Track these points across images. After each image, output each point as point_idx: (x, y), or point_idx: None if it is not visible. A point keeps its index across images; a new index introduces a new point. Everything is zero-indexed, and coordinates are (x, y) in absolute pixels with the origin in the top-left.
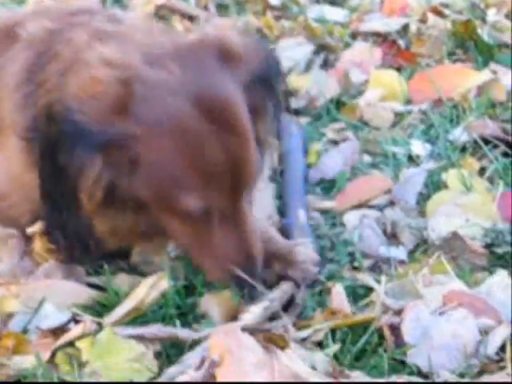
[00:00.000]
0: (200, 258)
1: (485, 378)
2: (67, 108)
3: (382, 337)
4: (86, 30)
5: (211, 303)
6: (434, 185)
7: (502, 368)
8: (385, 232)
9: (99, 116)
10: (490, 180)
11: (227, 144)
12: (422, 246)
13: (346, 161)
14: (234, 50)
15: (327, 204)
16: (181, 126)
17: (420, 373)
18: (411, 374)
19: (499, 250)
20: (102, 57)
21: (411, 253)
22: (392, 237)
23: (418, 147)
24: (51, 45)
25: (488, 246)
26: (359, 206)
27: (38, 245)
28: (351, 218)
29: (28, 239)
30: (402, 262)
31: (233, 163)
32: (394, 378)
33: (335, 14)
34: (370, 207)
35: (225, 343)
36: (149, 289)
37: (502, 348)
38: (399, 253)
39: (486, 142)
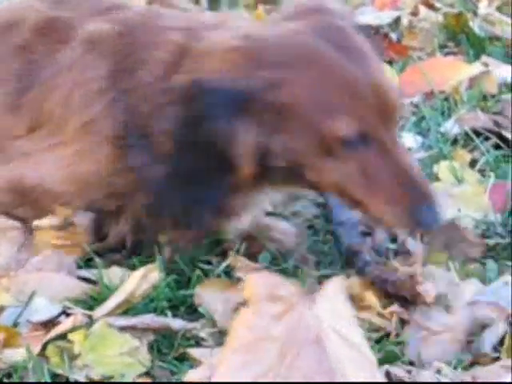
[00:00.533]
0: (375, 206)
1: (478, 370)
2: (205, 82)
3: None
4: (170, 31)
5: (204, 295)
6: (425, 177)
7: (496, 359)
8: None
9: (236, 73)
10: (481, 172)
11: (365, 69)
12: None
13: None
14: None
15: None
16: (317, 59)
17: (412, 363)
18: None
19: (490, 242)
20: (219, 40)
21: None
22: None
23: (410, 139)
24: (129, 50)
25: (479, 238)
26: None
27: (38, 237)
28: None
29: (30, 232)
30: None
31: (376, 86)
32: (386, 367)
33: None
34: None
35: (256, 289)
36: (139, 281)
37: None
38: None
39: (478, 134)
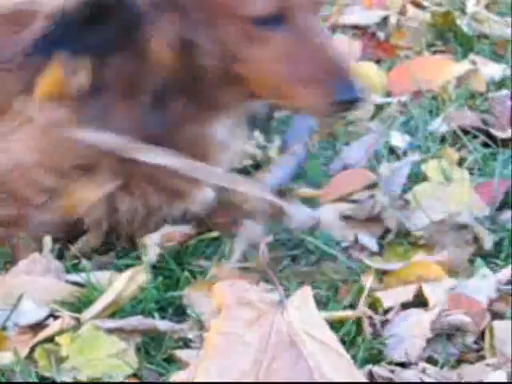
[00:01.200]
0: (292, 88)
1: (463, 369)
2: None
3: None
4: None
5: (192, 297)
6: (414, 176)
7: (481, 358)
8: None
9: None
10: (470, 170)
11: None
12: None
13: None
14: None
15: (311, 193)
16: None
17: (398, 363)
18: (390, 363)
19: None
20: None
21: (392, 244)
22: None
23: (398, 139)
24: None
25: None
26: (341, 200)
27: None
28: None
29: None
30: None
31: None
32: (369, 368)
33: None
34: (353, 201)
35: (226, 296)
36: (126, 283)
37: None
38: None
39: (466, 132)
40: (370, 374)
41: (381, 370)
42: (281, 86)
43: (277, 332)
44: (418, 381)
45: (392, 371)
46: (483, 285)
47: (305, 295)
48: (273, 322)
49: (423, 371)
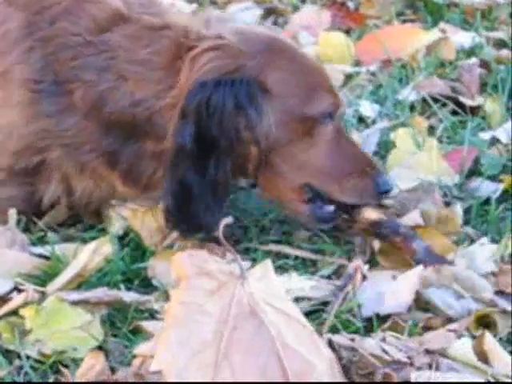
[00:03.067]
0: (339, 183)
1: (425, 337)
2: (203, 83)
3: None
4: None
5: (157, 268)
6: (383, 144)
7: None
8: None
9: (229, 67)
10: (439, 138)
11: (313, 60)
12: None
13: None
14: None
15: None
16: (285, 47)
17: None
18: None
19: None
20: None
21: None
22: None
23: (367, 107)
24: (47, 3)
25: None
26: None
27: None
28: None
29: None
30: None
31: (324, 70)
32: (328, 336)
33: None
34: None
35: (185, 266)
36: (91, 254)
37: None
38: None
39: (435, 100)
40: (330, 343)
41: (340, 339)
42: (326, 175)
43: (237, 302)
44: (379, 349)
45: (352, 339)
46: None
47: (266, 267)
48: (233, 292)
49: (383, 340)
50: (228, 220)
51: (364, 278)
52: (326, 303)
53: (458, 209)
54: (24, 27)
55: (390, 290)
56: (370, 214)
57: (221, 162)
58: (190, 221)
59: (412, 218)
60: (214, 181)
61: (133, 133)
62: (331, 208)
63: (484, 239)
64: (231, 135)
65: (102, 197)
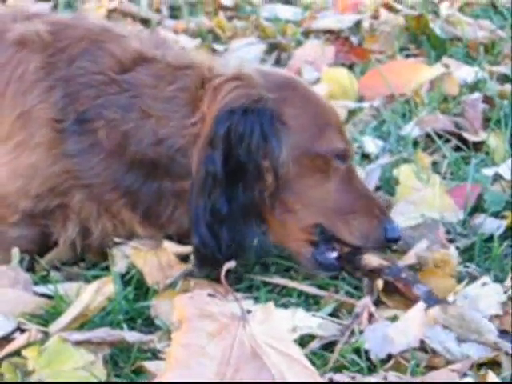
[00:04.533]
0: (348, 224)
1: (427, 375)
2: (232, 111)
3: None
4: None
5: (160, 307)
6: (386, 180)
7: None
8: None
9: (253, 96)
10: (442, 174)
11: (326, 101)
12: None
13: None
14: None
15: None
16: (299, 84)
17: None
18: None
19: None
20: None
21: None
22: None
23: (370, 143)
24: (63, 44)
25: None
26: None
27: None
28: None
29: None
30: None
31: (335, 111)
32: (330, 375)
33: (288, 12)
34: None
35: (186, 308)
36: (94, 294)
37: None
38: None
39: (438, 136)
40: (331, 382)
41: (342, 377)
42: (336, 214)
43: (239, 344)
44: None
45: (353, 378)
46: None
47: (269, 310)
48: (235, 334)
49: (385, 378)
50: (231, 264)
51: (371, 317)
52: (333, 342)
53: (454, 251)
54: (42, 67)
55: (396, 330)
56: (371, 260)
57: (249, 187)
58: (222, 249)
59: (407, 261)
60: (244, 205)
61: (153, 172)
62: (333, 255)
63: (486, 278)
64: (258, 162)
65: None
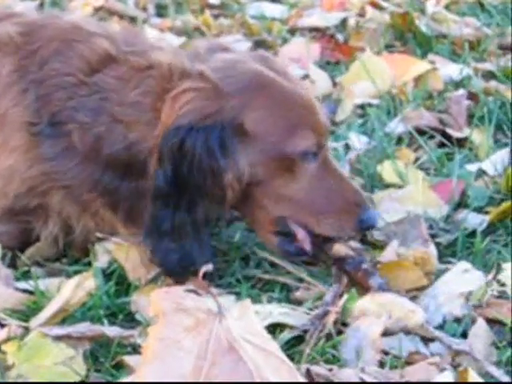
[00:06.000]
0: (322, 218)
1: (406, 369)
2: (177, 128)
3: None
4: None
5: (141, 302)
6: (369, 177)
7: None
8: None
9: (206, 110)
10: (426, 170)
11: (301, 89)
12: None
13: None
14: None
15: None
16: (268, 84)
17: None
18: (341, 366)
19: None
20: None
21: None
22: None
23: (355, 139)
24: (35, 46)
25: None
26: None
27: None
28: None
29: None
30: None
31: (313, 104)
32: (306, 366)
33: (274, 10)
34: None
35: (162, 303)
36: (74, 289)
37: None
38: None
39: (423, 132)
40: (308, 373)
41: (318, 369)
42: (304, 210)
43: (216, 338)
44: (358, 380)
45: (330, 370)
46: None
47: (245, 307)
48: (211, 329)
49: (362, 370)
50: (208, 267)
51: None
52: (306, 331)
53: (433, 249)
54: (15, 71)
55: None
56: (339, 249)
57: (193, 202)
58: (172, 260)
59: (387, 256)
60: (190, 220)
61: (129, 172)
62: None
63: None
64: (201, 179)
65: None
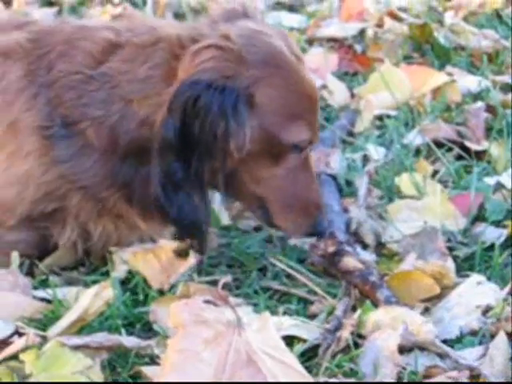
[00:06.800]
0: (285, 210)
1: None
2: (195, 82)
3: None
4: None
5: (159, 312)
6: (387, 189)
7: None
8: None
9: (226, 71)
10: (444, 183)
11: (308, 76)
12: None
13: None
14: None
15: None
16: (284, 63)
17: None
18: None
19: (457, 253)
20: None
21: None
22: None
23: (372, 151)
24: (42, 50)
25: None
26: None
27: None
28: None
29: None
30: None
31: (315, 95)
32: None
33: (292, 20)
34: None
35: (182, 315)
36: (93, 298)
37: None
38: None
39: (441, 145)
40: None
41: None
42: (277, 198)
43: (235, 351)
44: None
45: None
46: None
47: (265, 319)
48: (231, 341)
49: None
50: (226, 279)
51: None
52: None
53: (451, 263)
54: (25, 76)
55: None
56: (348, 262)
57: (201, 160)
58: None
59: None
60: (196, 175)
61: (145, 157)
62: None
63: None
64: (210, 138)
65: (120, 239)
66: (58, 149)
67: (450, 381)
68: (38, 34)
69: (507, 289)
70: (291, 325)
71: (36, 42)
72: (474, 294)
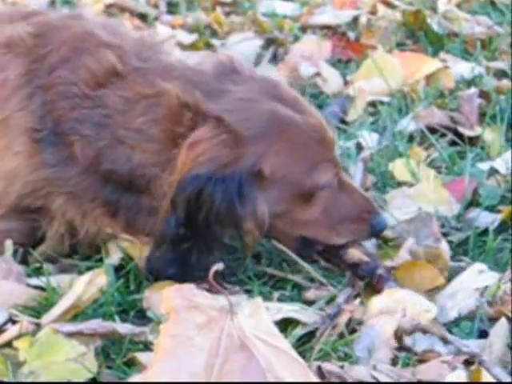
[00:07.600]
0: (338, 225)
1: (418, 367)
2: (196, 176)
3: None
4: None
5: (153, 299)
6: (380, 175)
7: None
8: None
9: (224, 160)
10: (437, 169)
11: (312, 116)
12: None
13: None
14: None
15: None
16: (284, 124)
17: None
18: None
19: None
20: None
21: None
22: None
23: (366, 137)
24: (46, 50)
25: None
26: None
27: None
28: None
29: None
30: None
31: (324, 129)
32: (317, 364)
33: (286, 8)
34: None
35: (174, 300)
36: (86, 286)
37: None
38: None
39: (434, 130)
40: (319, 370)
41: (330, 366)
42: (320, 228)
43: (228, 336)
44: (369, 377)
45: (341, 367)
46: None
47: (257, 305)
48: (223, 326)
49: (374, 368)
50: (219, 266)
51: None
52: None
53: (446, 245)
54: (23, 74)
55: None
56: (353, 254)
57: (208, 246)
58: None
59: (400, 255)
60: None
61: (130, 188)
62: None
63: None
64: (219, 227)
65: (105, 238)
66: (45, 153)
67: (445, 366)
68: (42, 28)
69: (507, 275)
70: (290, 309)
71: (40, 37)
72: (476, 281)
